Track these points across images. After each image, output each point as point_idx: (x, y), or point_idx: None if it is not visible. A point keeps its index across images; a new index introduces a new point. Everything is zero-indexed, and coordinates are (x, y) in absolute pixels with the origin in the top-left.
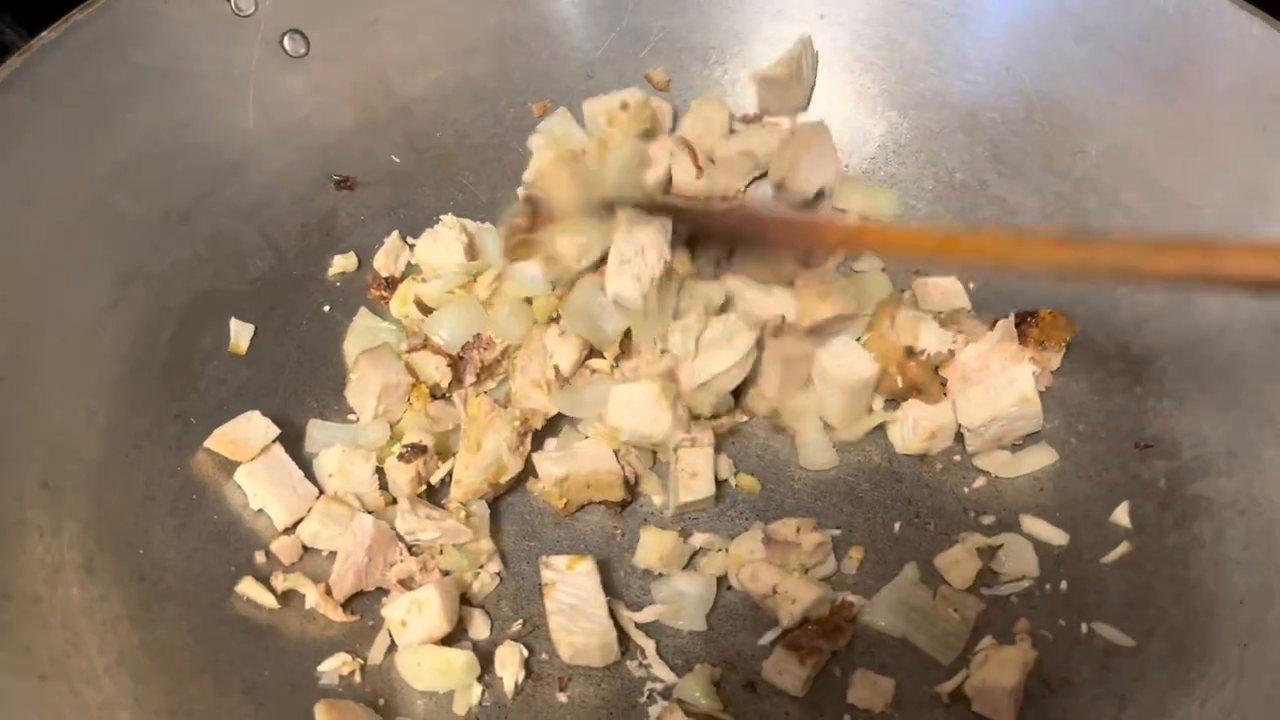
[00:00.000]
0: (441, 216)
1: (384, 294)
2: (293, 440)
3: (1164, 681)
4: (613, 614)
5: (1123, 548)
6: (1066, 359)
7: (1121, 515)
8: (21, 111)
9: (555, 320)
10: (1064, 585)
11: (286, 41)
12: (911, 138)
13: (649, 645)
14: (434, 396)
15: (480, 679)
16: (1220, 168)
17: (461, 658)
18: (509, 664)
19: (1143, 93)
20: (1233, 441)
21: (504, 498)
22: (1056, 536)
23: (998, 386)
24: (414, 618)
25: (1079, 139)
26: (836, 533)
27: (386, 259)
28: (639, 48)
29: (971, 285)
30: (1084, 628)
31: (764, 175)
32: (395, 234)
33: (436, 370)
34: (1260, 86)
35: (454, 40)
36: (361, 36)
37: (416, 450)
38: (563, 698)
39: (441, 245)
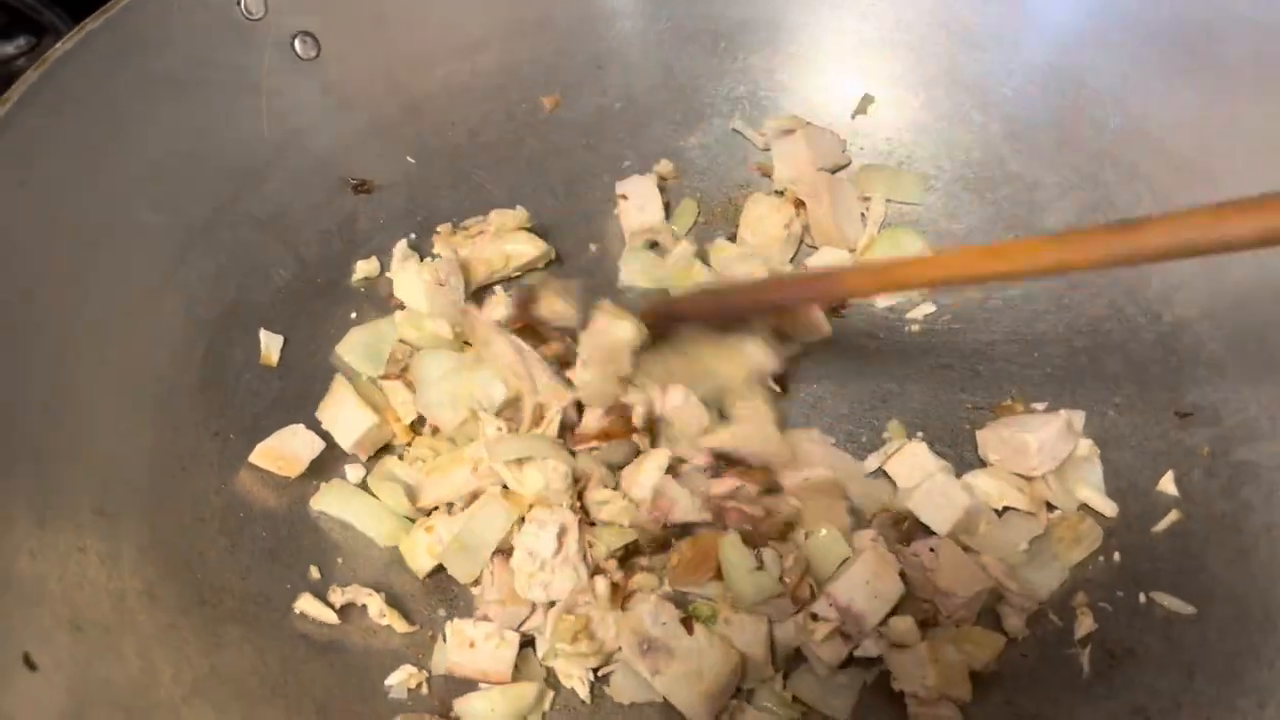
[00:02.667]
0: (396, 245)
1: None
2: (332, 454)
3: (1229, 647)
4: None
5: (1172, 516)
6: (1098, 331)
7: (1168, 484)
8: (41, 128)
9: None
10: (1117, 557)
11: (297, 44)
12: (926, 118)
13: None
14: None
15: (548, 680)
16: (1238, 135)
17: (532, 690)
18: (574, 675)
19: (1156, 63)
20: (1274, 406)
21: None
22: (1108, 507)
23: None
24: (489, 645)
25: (1095, 112)
26: None
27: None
28: (645, 38)
29: None
30: (1142, 598)
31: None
32: (403, 243)
33: (402, 405)
34: (1273, 53)
35: (460, 35)
36: (370, 34)
37: None
38: None
39: (409, 278)
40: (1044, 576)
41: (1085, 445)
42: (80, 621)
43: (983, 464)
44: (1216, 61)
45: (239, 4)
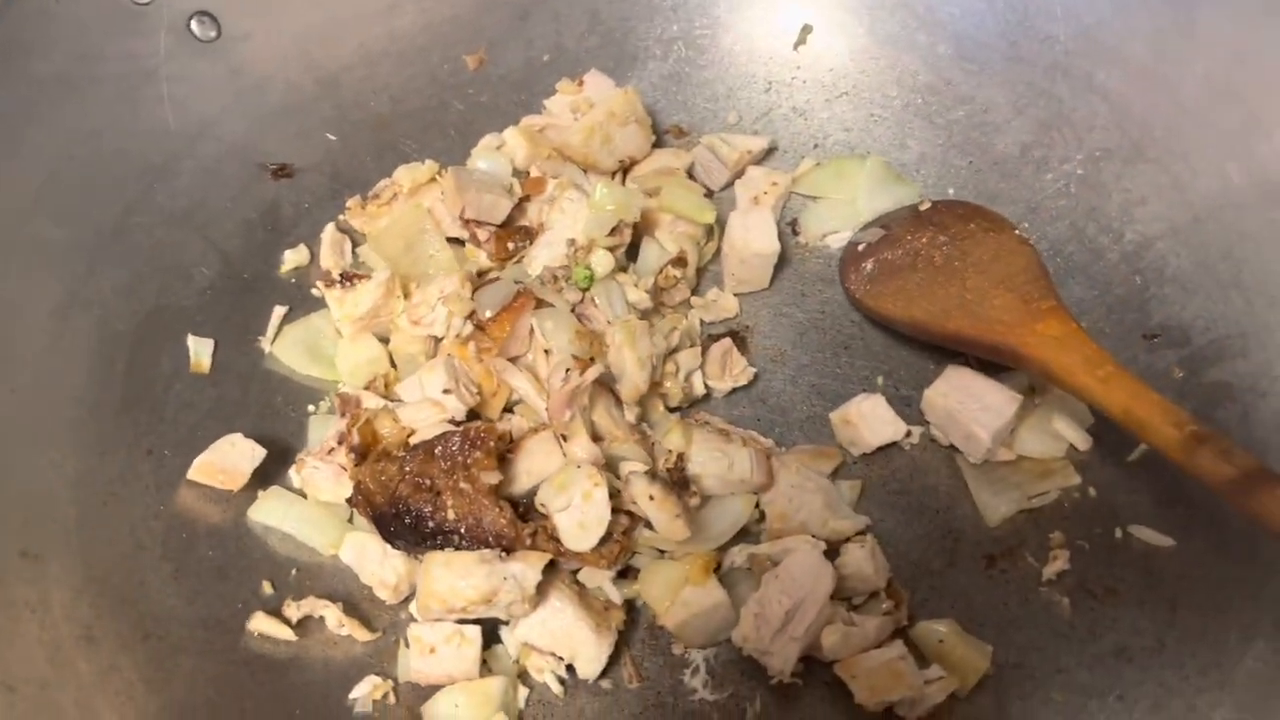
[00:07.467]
0: (324, 229)
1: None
2: (277, 458)
3: (1212, 578)
4: None
5: (1146, 445)
6: (1059, 255)
7: None
8: None
9: None
10: (1093, 492)
11: (194, 25)
12: (868, 44)
13: None
14: None
15: (522, 679)
16: (1198, 38)
17: (496, 684)
18: (546, 670)
19: None
20: (1244, 323)
21: None
22: (1082, 440)
23: None
24: (450, 647)
25: (1045, 25)
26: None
27: (332, 255)
28: None
29: None
30: (1119, 533)
31: None
32: (331, 227)
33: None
34: None
35: None
36: (274, 7)
37: None
38: (605, 684)
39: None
40: (999, 502)
41: None
42: (12, 681)
43: None
44: None
45: None
